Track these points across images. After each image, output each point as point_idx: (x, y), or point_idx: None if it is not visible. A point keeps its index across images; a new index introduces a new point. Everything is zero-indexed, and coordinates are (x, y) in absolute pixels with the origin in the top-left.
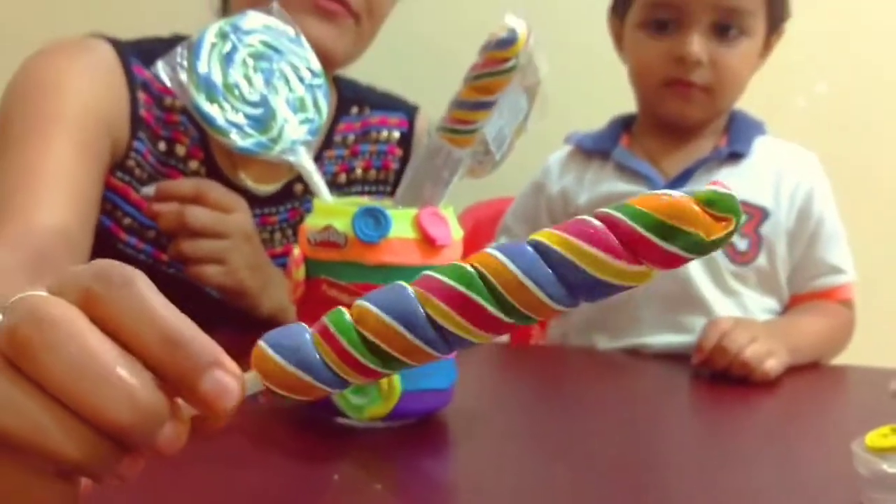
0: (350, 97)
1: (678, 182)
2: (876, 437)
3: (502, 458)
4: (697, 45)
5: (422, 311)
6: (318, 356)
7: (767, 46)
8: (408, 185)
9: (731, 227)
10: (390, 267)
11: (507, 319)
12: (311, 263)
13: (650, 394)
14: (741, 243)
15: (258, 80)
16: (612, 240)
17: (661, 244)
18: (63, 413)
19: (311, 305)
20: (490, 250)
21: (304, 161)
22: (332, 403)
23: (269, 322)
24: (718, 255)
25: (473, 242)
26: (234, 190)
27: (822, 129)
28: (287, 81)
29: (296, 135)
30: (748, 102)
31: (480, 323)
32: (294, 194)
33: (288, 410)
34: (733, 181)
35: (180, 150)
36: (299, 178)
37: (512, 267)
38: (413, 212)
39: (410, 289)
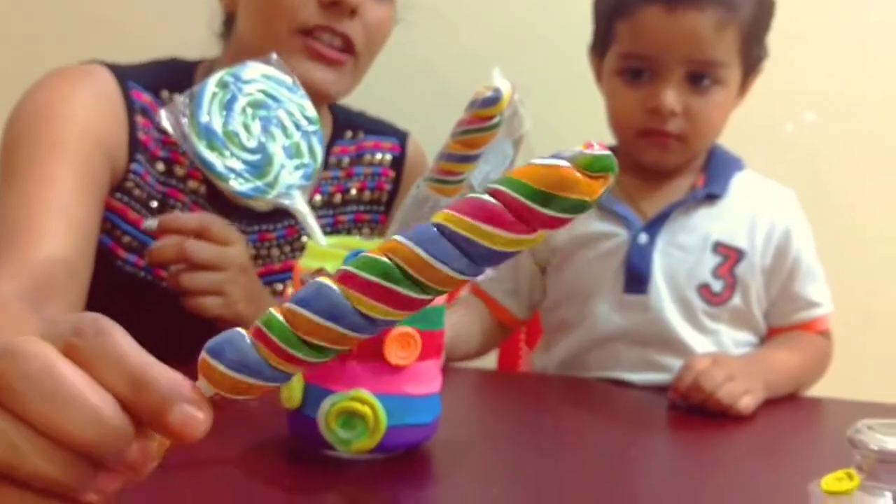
0: (344, 121)
1: (656, 223)
2: (832, 480)
3: (483, 491)
4: (671, 96)
5: (347, 304)
6: (258, 357)
7: (745, 86)
8: (396, 230)
9: (608, 182)
10: None
11: (424, 297)
12: None
13: (628, 426)
14: (716, 285)
15: (256, 127)
16: (504, 214)
17: (545, 211)
18: (37, 437)
19: None
20: (398, 237)
21: (299, 205)
22: (321, 437)
23: None
24: (693, 297)
25: None
26: (232, 207)
27: (808, 156)
28: (284, 129)
29: (291, 180)
30: (735, 125)
31: (401, 305)
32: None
33: (277, 443)
34: (710, 222)
35: (179, 170)
36: None
37: (420, 251)
38: None
39: (335, 286)
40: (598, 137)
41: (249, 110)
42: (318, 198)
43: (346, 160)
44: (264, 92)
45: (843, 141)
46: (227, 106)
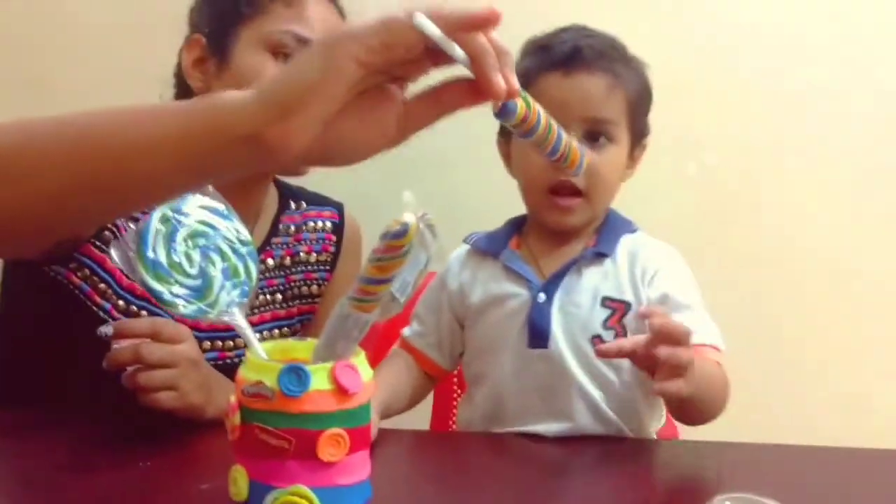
0: (288, 194)
1: (552, 282)
2: None
3: None
4: None
5: None
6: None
7: (633, 159)
8: (323, 343)
9: None
10: (310, 414)
11: None
12: (245, 411)
13: (542, 477)
14: (607, 335)
15: (196, 255)
16: None
17: None
18: None
19: (246, 446)
20: None
21: (238, 320)
22: None
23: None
24: (588, 348)
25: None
26: None
27: (709, 193)
28: (222, 253)
29: (230, 298)
30: (648, 167)
31: None
32: None
33: None
34: (598, 279)
35: None
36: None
37: None
38: (329, 366)
39: None
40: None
41: (190, 241)
42: (270, 261)
43: (292, 227)
44: (202, 222)
45: (742, 178)
46: (170, 238)
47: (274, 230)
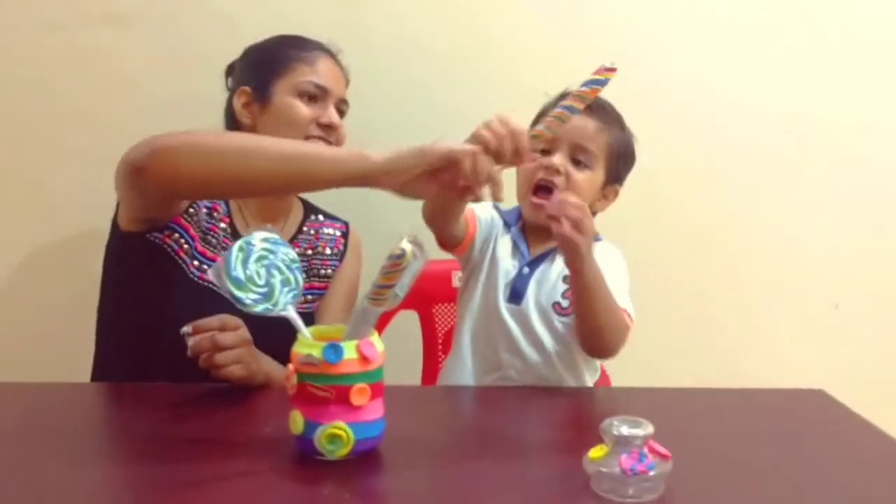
0: (310, 208)
1: (535, 262)
2: (594, 451)
3: (413, 472)
4: (558, 159)
5: None
6: None
7: (605, 196)
8: (350, 328)
9: None
10: (345, 374)
11: None
12: (300, 374)
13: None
14: (564, 303)
15: (263, 272)
16: None
17: None
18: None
19: (301, 397)
20: None
21: (292, 314)
22: (316, 449)
23: (262, 386)
24: (550, 310)
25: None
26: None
27: (649, 185)
28: (279, 269)
29: (286, 300)
30: None
31: None
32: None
33: (290, 454)
34: (563, 264)
35: (216, 214)
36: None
37: None
38: (355, 343)
39: None
40: None
41: (259, 263)
42: (297, 251)
43: (313, 232)
44: (265, 249)
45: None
46: (245, 261)
47: (300, 230)
